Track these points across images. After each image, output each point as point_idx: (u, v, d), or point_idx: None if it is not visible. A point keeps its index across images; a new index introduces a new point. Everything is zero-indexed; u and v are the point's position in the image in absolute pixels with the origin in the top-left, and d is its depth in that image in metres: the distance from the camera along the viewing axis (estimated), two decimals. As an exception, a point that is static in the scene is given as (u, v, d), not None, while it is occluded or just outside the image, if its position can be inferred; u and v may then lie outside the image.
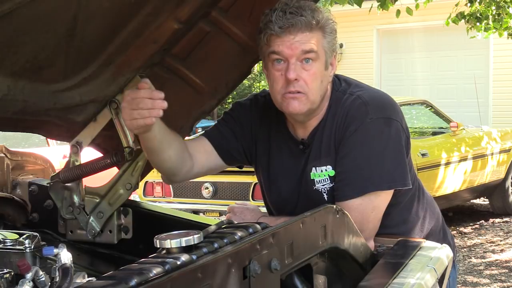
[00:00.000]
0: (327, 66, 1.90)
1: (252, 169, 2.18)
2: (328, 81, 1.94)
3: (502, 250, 6.64)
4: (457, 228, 7.66)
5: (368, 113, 1.90)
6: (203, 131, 2.13)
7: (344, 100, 1.95)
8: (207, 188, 6.09)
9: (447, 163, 7.06)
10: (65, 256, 1.70)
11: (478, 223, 7.99)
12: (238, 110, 2.12)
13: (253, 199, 5.71)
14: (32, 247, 1.78)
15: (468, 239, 7.20)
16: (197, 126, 11.59)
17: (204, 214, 6.11)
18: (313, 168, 1.97)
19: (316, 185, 1.97)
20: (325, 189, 1.96)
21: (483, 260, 6.28)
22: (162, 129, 1.81)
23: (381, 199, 1.92)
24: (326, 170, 1.95)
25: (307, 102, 1.88)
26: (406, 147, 1.97)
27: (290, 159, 2.03)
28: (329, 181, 1.95)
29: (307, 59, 1.85)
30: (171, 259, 1.16)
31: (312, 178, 1.97)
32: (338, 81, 2.02)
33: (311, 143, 1.98)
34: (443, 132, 7.73)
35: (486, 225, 7.91)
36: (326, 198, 1.96)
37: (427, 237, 2.12)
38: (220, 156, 2.06)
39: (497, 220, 8.10)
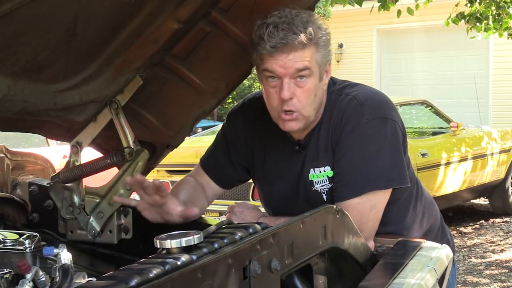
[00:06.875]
0: (321, 78, 1.89)
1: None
2: (324, 89, 1.93)
3: (502, 250, 6.65)
4: (457, 228, 7.66)
5: (363, 114, 1.90)
6: (200, 160, 2.20)
7: (340, 100, 1.95)
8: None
9: (447, 163, 7.06)
10: (65, 256, 1.70)
11: (478, 223, 7.99)
12: (231, 125, 2.15)
13: (253, 199, 5.71)
14: (32, 247, 1.78)
15: (468, 239, 7.20)
16: (197, 126, 11.58)
17: (204, 214, 6.10)
18: (312, 169, 1.97)
19: (315, 186, 1.97)
20: (324, 189, 1.96)
21: (483, 260, 6.28)
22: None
23: (379, 198, 1.92)
24: (324, 170, 1.95)
25: (302, 119, 1.88)
26: (403, 146, 1.97)
27: (285, 160, 2.03)
28: (328, 182, 1.95)
29: (301, 76, 1.83)
30: (171, 259, 1.16)
31: (310, 179, 1.97)
32: (333, 82, 2.01)
33: (308, 144, 1.98)
34: (443, 132, 7.73)
35: (486, 225, 7.91)
36: (325, 198, 1.96)
37: (426, 234, 2.13)
38: (220, 186, 2.18)
39: (497, 220, 8.10)
